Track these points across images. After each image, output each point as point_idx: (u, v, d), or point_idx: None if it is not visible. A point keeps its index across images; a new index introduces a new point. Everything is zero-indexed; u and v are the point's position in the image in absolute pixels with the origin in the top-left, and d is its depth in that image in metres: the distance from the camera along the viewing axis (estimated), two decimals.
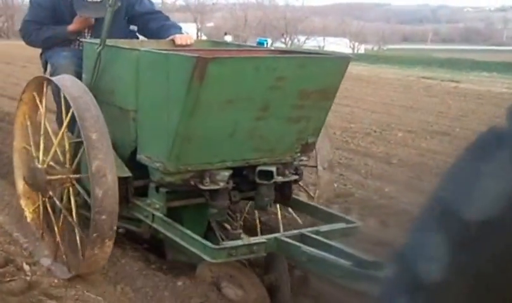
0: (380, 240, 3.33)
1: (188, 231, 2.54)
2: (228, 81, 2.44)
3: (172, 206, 2.77)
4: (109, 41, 2.94)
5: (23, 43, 3.92)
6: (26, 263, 2.97)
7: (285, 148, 2.79)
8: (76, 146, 2.91)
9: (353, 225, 2.76)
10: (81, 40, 3.51)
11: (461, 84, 14.45)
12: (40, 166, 2.96)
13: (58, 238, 2.93)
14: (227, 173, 2.62)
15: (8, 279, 2.79)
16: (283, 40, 48.50)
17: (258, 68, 2.49)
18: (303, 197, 3.21)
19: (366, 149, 6.23)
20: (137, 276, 2.87)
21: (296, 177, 2.85)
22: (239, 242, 2.52)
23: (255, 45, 17.53)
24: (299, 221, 3.22)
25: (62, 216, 2.88)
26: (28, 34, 3.73)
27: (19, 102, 3.15)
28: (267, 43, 28.86)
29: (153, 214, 2.73)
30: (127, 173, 2.77)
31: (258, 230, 3.35)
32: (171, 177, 2.61)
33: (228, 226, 2.78)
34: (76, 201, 2.86)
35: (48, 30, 3.67)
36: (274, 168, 2.72)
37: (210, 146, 2.57)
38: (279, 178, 2.76)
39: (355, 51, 49.69)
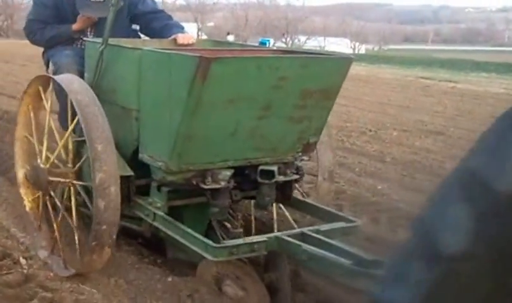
0: (370, 236, 3.38)
1: (190, 230, 2.55)
2: (231, 80, 2.45)
3: (174, 205, 2.79)
4: (111, 41, 2.94)
5: (22, 42, 3.96)
6: (23, 257, 3.03)
7: (286, 148, 2.80)
8: (79, 145, 2.93)
9: (353, 224, 2.77)
10: (83, 39, 3.52)
11: (459, 85, 14.47)
12: (42, 166, 2.98)
13: (56, 234, 2.95)
14: (228, 173, 2.63)
15: (5, 272, 2.84)
16: (284, 40, 48.47)
17: (260, 68, 2.50)
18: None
19: (361, 148, 6.29)
20: (130, 269, 2.94)
21: (297, 176, 2.86)
22: (240, 241, 2.53)
23: (257, 44, 17.54)
24: (291, 219, 3.23)
25: (61, 214, 2.91)
26: (33, 33, 3.74)
27: (24, 94, 3.15)
28: (269, 43, 28.79)
29: (154, 213, 2.74)
30: (129, 172, 2.78)
31: (253, 227, 3.36)
32: (173, 176, 2.63)
33: (229, 225, 2.80)
34: (76, 199, 2.88)
35: (52, 29, 3.68)
36: (275, 168, 2.73)
37: (212, 146, 2.59)
38: (281, 178, 2.77)
39: (356, 51, 49.69)
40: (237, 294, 2.68)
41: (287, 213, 3.26)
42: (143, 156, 2.75)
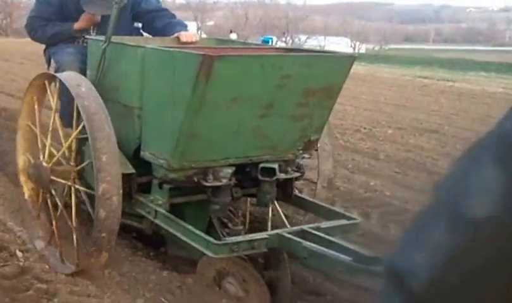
0: (362, 230, 3.41)
1: (190, 227, 2.56)
2: (234, 79, 2.46)
3: (175, 203, 2.80)
4: (114, 38, 2.95)
5: (21, 40, 3.96)
6: (19, 250, 3.08)
7: (288, 146, 2.82)
8: (81, 142, 2.94)
9: (354, 221, 2.79)
10: (86, 36, 3.53)
11: (457, 84, 14.48)
12: (45, 164, 2.99)
13: (54, 230, 2.98)
14: (230, 170, 2.65)
15: (2, 264, 2.89)
16: (284, 39, 48.43)
17: (263, 66, 2.52)
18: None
19: (355, 145, 6.32)
20: (124, 262, 3.01)
21: (298, 174, 2.88)
22: (240, 238, 2.55)
23: (260, 42, 17.52)
24: (283, 217, 3.24)
25: (60, 211, 2.93)
26: (34, 30, 3.74)
27: (29, 86, 3.15)
28: (271, 42, 28.72)
29: (156, 211, 2.75)
30: (131, 170, 2.79)
31: (247, 225, 3.38)
32: (175, 174, 2.64)
33: (229, 222, 2.82)
34: (77, 197, 2.89)
35: (54, 27, 3.68)
36: (276, 165, 2.75)
37: (214, 144, 2.60)
38: (281, 176, 2.79)
39: (356, 50, 49.63)
40: (238, 293, 2.70)
41: (280, 211, 3.28)
42: (145, 153, 2.77)
